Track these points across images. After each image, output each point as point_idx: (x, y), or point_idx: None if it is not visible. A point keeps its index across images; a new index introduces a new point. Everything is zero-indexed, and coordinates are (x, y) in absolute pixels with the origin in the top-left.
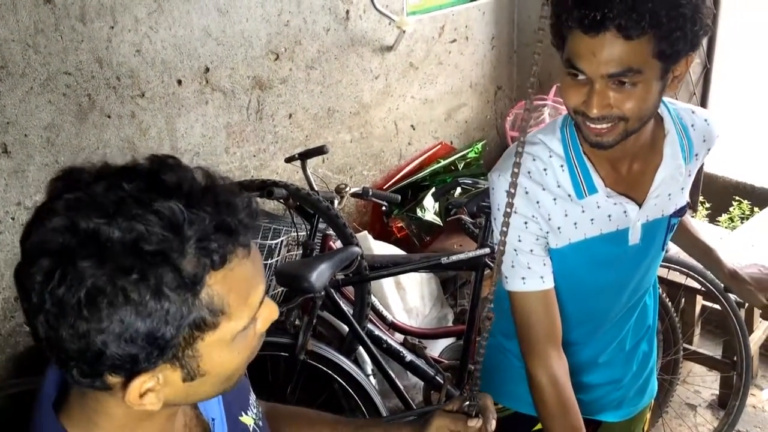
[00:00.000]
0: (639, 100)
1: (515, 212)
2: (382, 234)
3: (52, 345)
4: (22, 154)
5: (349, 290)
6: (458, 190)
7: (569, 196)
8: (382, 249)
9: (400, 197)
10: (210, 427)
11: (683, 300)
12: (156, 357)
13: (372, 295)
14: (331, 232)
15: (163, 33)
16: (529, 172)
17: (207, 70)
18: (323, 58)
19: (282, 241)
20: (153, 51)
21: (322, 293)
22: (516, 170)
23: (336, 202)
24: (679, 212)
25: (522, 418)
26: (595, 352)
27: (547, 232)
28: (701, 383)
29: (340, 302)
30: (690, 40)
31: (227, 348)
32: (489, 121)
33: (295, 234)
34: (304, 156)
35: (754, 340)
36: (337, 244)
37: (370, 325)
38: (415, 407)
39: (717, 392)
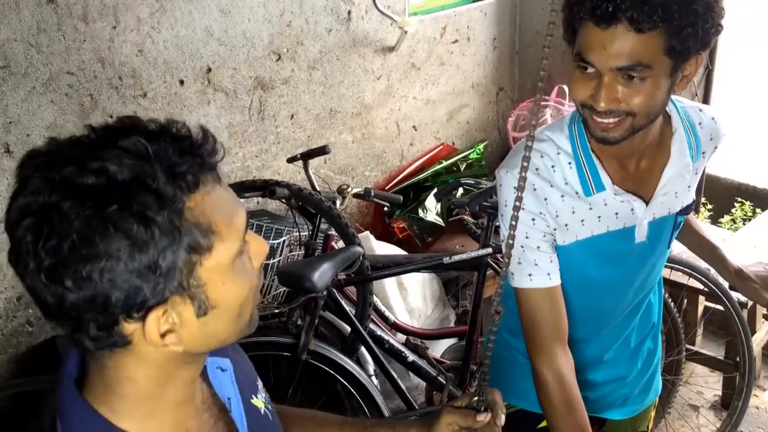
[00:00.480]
0: (647, 96)
1: (523, 208)
2: (383, 235)
3: (61, 307)
4: (24, 154)
5: (351, 290)
6: (460, 190)
7: (577, 193)
8: (384, 249)
9: (402, 198)
10: (227, 406)
11: (686, 300)
12: (162, 287)
13: (374, 296)
14: (333, 232)
15: (165, 33)
16: (537, 169)
17: (209, 70)
18: (325, 59)
19: (284, 240)
20: (155, 51)
21: (325, 293)
22: (525, 164)
23: (338, 202)
24: (686, 210)
25: (527, 416)
26: (601, 350)
27: (555, 229)
28: (704, 384)
29: (342, 302)
30: (701, 38)
31: (229, 275)
32: (491, 122)
33: (297, 234)
34: (306, 156)
35: (757, 341)
36: (339, 244)
37: (372, 326)
38: (417, 408)
39: (720, 393)
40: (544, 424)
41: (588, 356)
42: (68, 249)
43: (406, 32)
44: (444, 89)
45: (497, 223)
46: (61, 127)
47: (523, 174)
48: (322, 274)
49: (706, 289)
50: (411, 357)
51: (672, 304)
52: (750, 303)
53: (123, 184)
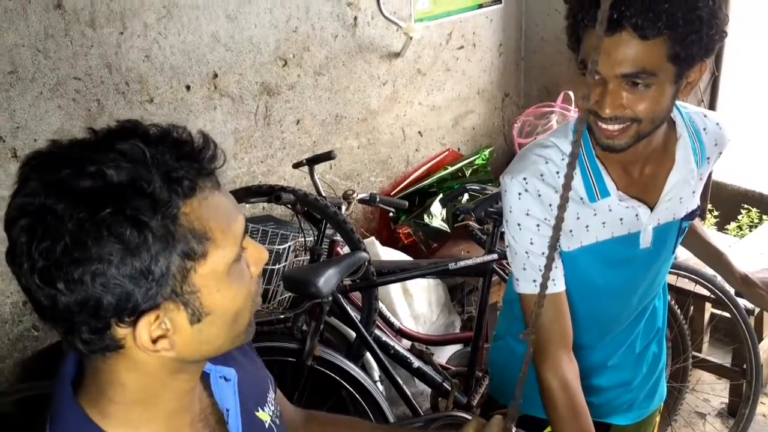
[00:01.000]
0: (652, 102)
1: (527, 214)
2: (389, 240)
3: (54, 309)
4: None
5: (357, 296)
6: (466, 196)
7: (581, 199)
8: (390, 255)
9: (407, 203)
10: (224, 418)
11: (692, 307)
12: (154, 292)
13: (379, 301)
14: (338, 237)
15: (172, 39)
16: (541, 175)
17: (215, 75)
18: (331, 65)
19: (289, 246)
20: (162, 57)
21: (330, 298)
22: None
23: (343, 208)
24: (690, 216)
25: (532, 421)
26: (605, 356)
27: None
28: (710, 391)
29: (348, 308)
30: (705, 44)
31: (224, 282)
32: (496, 128)
33: (303, 239)
34: (312, 162)
35: (764, 348)
36: (345, 250)
37: (377, 331)
38: (422, 414)
39: (726, 400)
40: (548, 430)
41: (593, 362)
42: (61, 251)
43: (411, 38)
44: (450, 95)
45: (502, 229)
46: (68, 132)
47: (572, 160)
48: (327, 280)
49: (712, 295)
50: (416, 363)
51: (678, 311)
52: (757, 310)
53: (118, 187)
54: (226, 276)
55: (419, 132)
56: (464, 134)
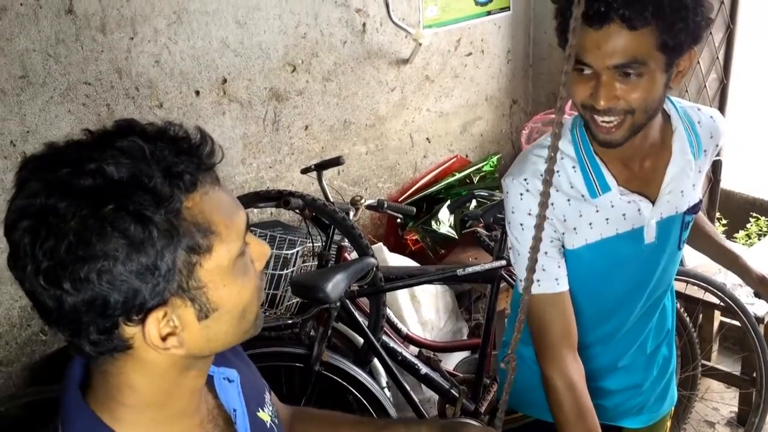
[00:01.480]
0: (645, 92)
1: (529, 214)
2: (396, 247)
3: (61, 310)
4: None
5: (364, 302)
6: (473, 202)
7: (583, 196)
8: (397, 261)
9: (415, 210)
10: (232, 418)
11: (701, 315)
12: (161, 288)
13: (387, 308)
14: (346, 243)
15: (182, 44)
16: (541, 175)
17: (224, 81)
18: (340, 71)
19: (297, 251)
20: (172, 62)
21: (338, 304)
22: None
23: (351, 214)
24: (693, 209)
25: (544, 426)
26: (615, 356)
27: (563, 233)
28: (720, 400)
29: (356, 313)
30: (692, 31)
31: (229, 276)
32: (504, 135)
33: (311, 245)
34: (320, 167)
35: None
36: (353, 256)
37: (384, 337)
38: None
39: (736, 409)
40: None
41: (603, 363)
42: (65, 250)
43: (420, 44)
44: (458, 101)
45: None
46: (78, 136)
47: (548, 178)
48: (335, 285)
49: (722, 303)
50: (424, 369)
51: (688, 318)
52: (767, 318)
53: (119, 183)
54: (232, 271)
55: (427, 138)
56: (472, 141)
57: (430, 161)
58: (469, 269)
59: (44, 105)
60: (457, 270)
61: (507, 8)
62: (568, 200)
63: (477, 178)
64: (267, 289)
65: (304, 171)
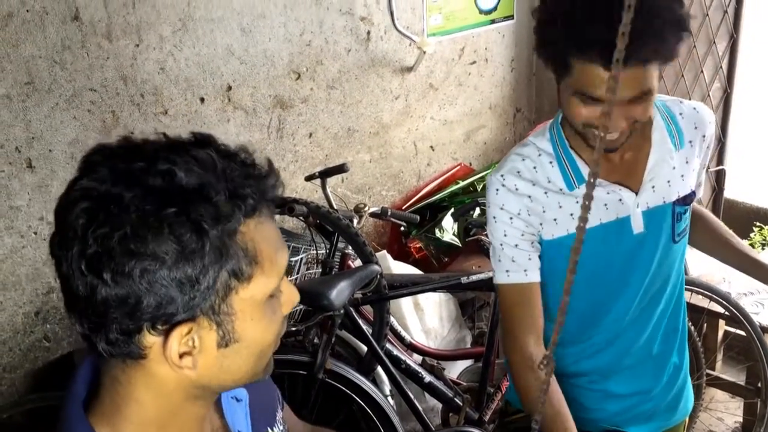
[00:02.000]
0: (650, 106)
1: (501, 209)
2: (400, 254)
3: (90, 300)
4: (46, 169)
5: (368, 310)
6: (477, 210)
7: (561, 189)
8: (401, 269)
9: (418, 218)
10: None
11: (705, 324)
12: (196, 303)
13: (391, 316)
14: (350, 250)
15: (187, 51)
16: (518, 172)
17: (229, 88)
18: (344, 78)
19: (301, 258)
20: (177, 69)
21: (342, 311)
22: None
23: (355, 221)
24: (684, 200)
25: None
26: (619, 354)
27: (541, 224)
28: (724, 410)
29: (359, 321)
30: (683, 38)
31: (259, 312)
32: (508, 143)
33: (315, 252)
34: (325, 174)
35: None
36: (357, 263)
37: (388, 345)
38: (433, 430)
39: (740, 419)
40: None
41: (607, 361)
42: (118, 240)
43: (424, 53)
44: (461, 110)
45: None
46: (83, 143)
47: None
48: (339, 293)
49: (726, 312)
50: (427, 378)
51: (692, 327)
52: None
53: (186, 190)
54: (262, 306)
55: (431, 146)
56: (476, 149)
57: (434, 169)
58: (473, 277)
59: (50, 111)
60: (461, 278)
61: (511, 17)
62: (545, 193)
63: (480, 186)
64: None
65: (308, 178)
